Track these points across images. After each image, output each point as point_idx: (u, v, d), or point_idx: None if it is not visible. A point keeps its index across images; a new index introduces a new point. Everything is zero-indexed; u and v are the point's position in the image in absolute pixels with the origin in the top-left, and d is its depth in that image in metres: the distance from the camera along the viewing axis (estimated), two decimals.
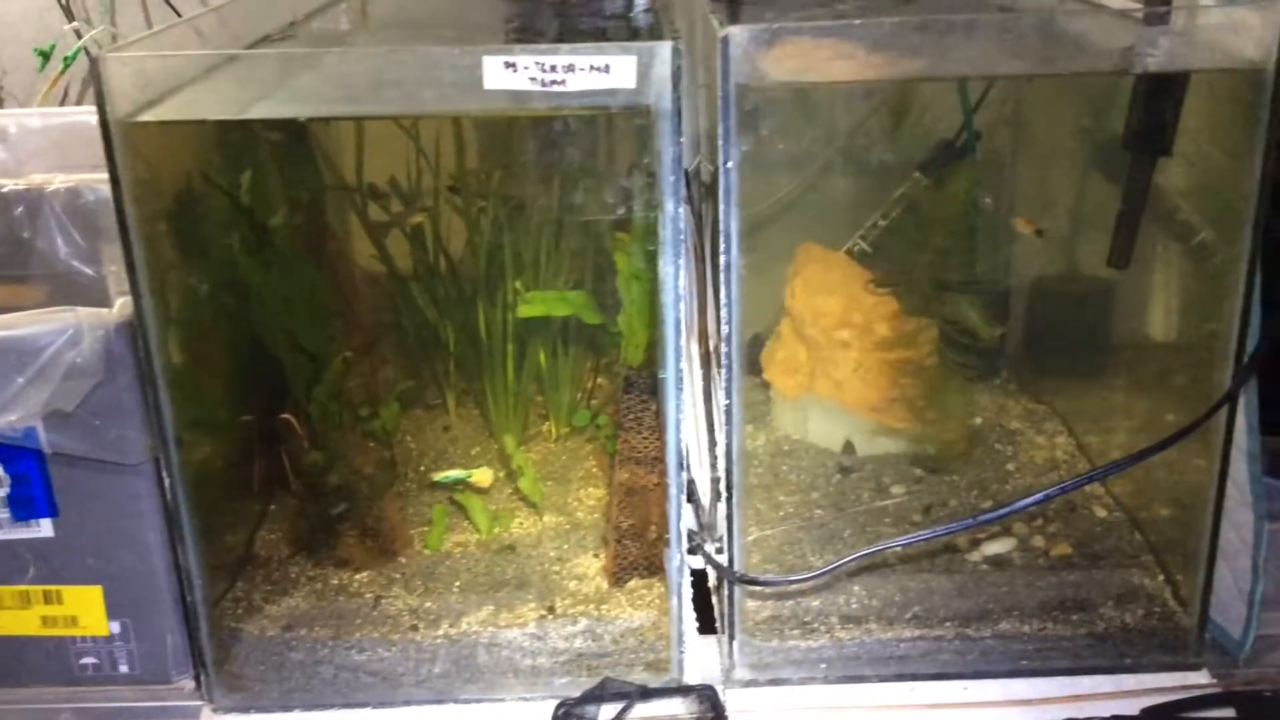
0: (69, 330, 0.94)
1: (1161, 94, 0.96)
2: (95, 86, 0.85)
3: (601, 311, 1.14)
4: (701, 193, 1.07)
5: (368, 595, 1.07)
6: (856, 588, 1.07)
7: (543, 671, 1.02)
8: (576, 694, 0.99)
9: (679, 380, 0.94)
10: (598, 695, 0.98)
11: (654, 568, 1.06)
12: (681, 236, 0.90)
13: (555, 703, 0.98)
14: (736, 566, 1.00)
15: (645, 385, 1.04)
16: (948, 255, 1.31)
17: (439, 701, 1.01)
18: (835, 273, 1.27)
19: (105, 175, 0.88)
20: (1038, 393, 1.37)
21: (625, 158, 1.06)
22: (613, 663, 1.02)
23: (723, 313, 0.93)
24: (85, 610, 1.03)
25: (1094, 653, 1.02)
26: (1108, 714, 0.97)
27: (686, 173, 1.10)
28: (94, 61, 0.85)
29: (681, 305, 0.92)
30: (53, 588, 1.02)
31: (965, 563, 1.10)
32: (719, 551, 1.01)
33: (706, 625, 1.07)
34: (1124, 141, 1.00)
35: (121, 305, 0.96)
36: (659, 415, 1.00)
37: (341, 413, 1.16)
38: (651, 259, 0.91)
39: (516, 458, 1.17)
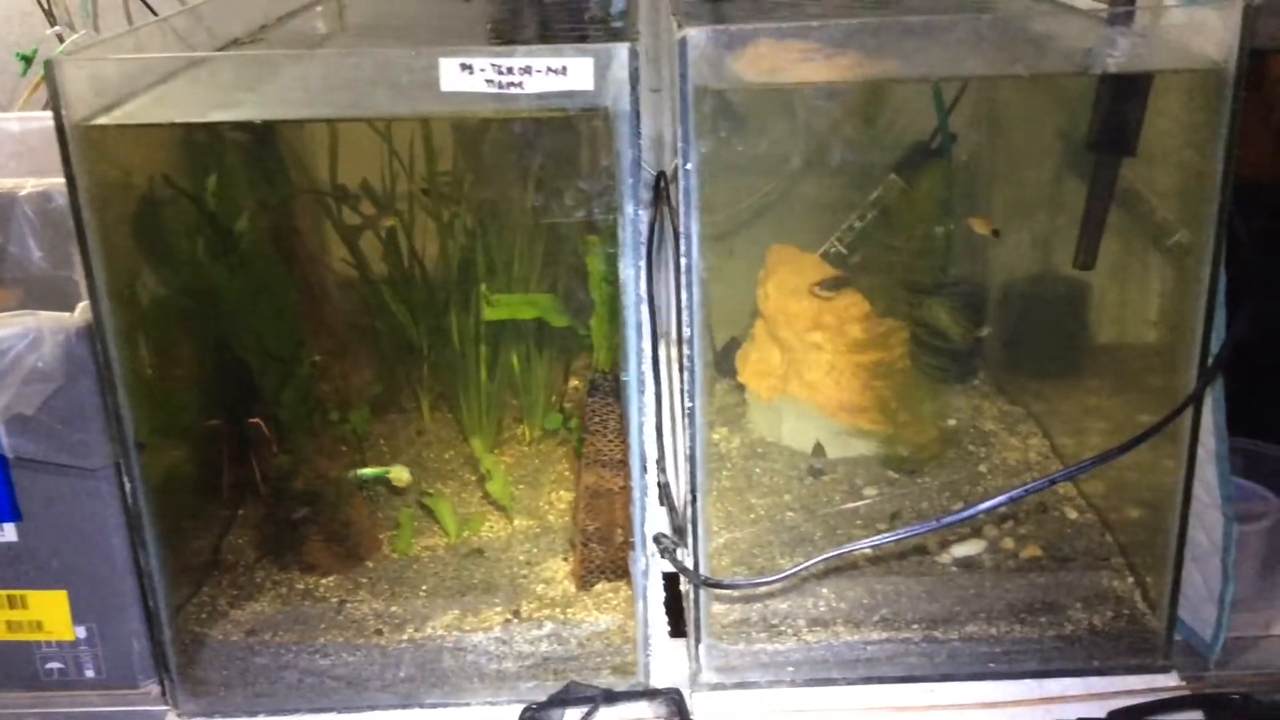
0: (30, 334, 0.94)
1: (1125, 94, 0.95)
2: (50, 90, 0.85)
3: (573, 314, 1.14)
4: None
5: (333, 600, 1.06)
6: (825, 590, 1.06)
7: (508, 676, 1.01)
8: (542, 698, 0.98)
9: (641, 383, 0.93)
10: (562, 699, 0.98)
11: (620, 571, 1.06)
12: (642, 239, 0.90)
13: (521, 707, 0.98)
14: (702, 570, 1.00)
15: (610, 388, 1.04)
16: (922, 257, 1.31)
17: (404, 706, 1.00)
18: (807, 274, 1.26)
19: None
20: (1013, 394, 1.37)
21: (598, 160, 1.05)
22: (579, 666, 1.02)
23: (684, 315, 0.92)
24: (50, 615, 1.02)
25: (1062, 655, 1.02)
26: (1074, 717, 0.96)
27: (664, 175, 1.10)
28: (48, 66, 0.85)
29: (644, 308, 0.92)
30: (17, 592, 1.02)
31: (935, 565, 1.10)
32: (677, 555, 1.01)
33: (678, 628, 1.07)
34: (1088, 142, 0.99)
35: (82, 309, 0.96)
36: (624, 418, 0.99)
37: (311, 417, 1.16)
38: (613, 261, 0.91)
39: (485, 461, 1.17)
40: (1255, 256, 0.93)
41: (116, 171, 0.96)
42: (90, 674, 1.05)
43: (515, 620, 1.04)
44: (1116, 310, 1.16)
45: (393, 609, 1.05)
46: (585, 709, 0.97)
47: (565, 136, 1.11)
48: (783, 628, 1.04)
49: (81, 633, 1.03)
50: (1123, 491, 1.12)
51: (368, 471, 1.16)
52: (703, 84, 0.87)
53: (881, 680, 1.01)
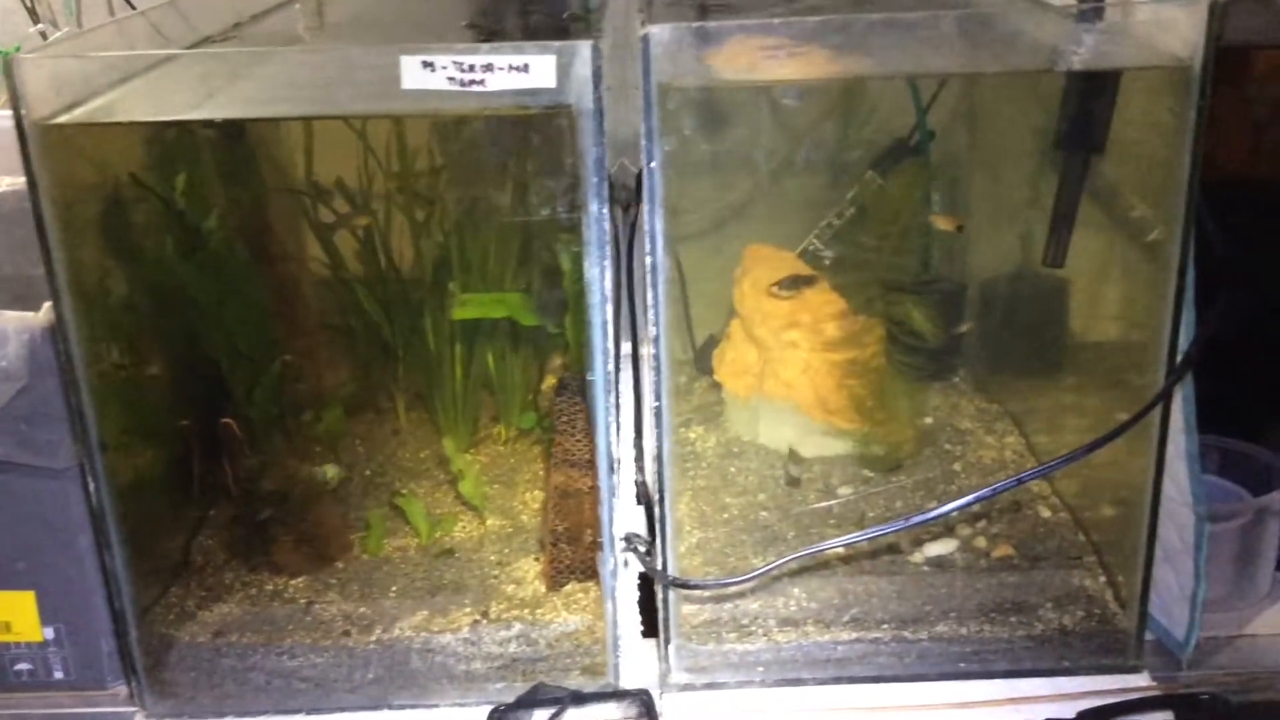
0: None
1: (1093, 92, 0.95)
2: (9, 89, 0.84)
3: (548, 313, 1.14)
4: None
5: (301, 601, 1.06)
6: (795, 590, 1.06)
7: (477, 677, 1.01)
8: (510, 699, 0.98)
9: (608, 383, 0.93)
10: (530, 701, 0.97)
11: (590, 571, 1.06)
12: (607, 238, 0.90)
13: (489, 708, 0.98)
14: (671, 569, 1.00)
15: (578, 387, 1.04)
16: (899, 255, 1.30)
17: (373, 708, 1.00)
18: (783, 273, 1.26)
19: None
20: (992, 392, 1.36)
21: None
22: (549, 667, 1.01)
23: (650, 315, 0.92)
24: (18, 616, 1.02)
25: (1033, 655, 1.01)
26: (1043, 718, 0.96)
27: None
28: (7, 64, 0.84)
29: (609, 307, 0.92)
30: None
31: (907, 564, 1.09)
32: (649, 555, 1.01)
33: (651, 628, 1.06)
34: (1056, 140, 0.99)
35: (47, 309, 0.95)
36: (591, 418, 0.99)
37: (283, 417, 1.15)
38: (578, 261, 0.91)
39: (457, 461, 1.16)
40: (1226, 253, 0.93)
41: (81, 170, 0.96)
42: (59, 675, 1.04)
43: (484, 621, 1.03)
44: (1092, 308, 1.16)
45: (361, 610, 1.05)
46: (553, 710, 0.96)
47: (538, 133, 1.11)
48: (753, 628, 1.04)
49: (50, 634, 1.03)
50: (1096, 490, 1.12)
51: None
52: (666, 81, 0.86)
53: (852, 680, 1.01)
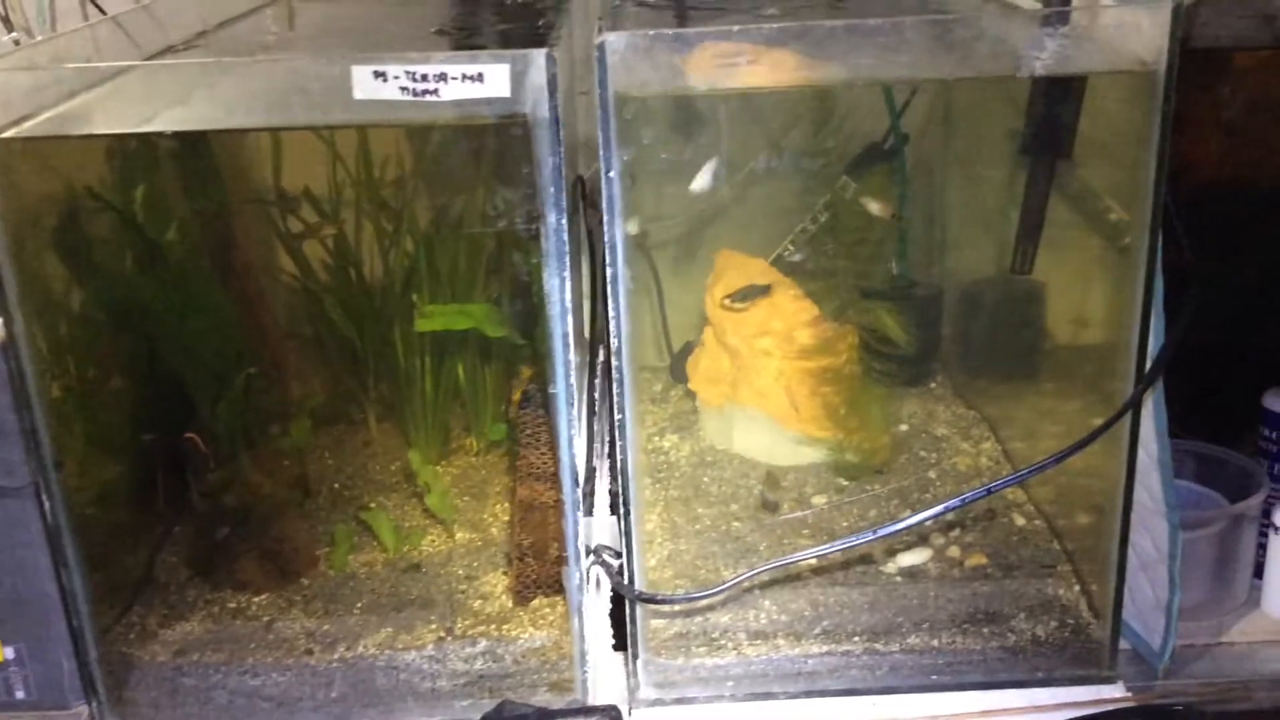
0: None
1: (1058, 96, 0.94)
2: None
3: (511, 324, 1.12)
4: None
5: (264, 618, 1.04)
6: (766, 602, 1.04)
7: (443, 694, 1.00)
8: (476, 717, 0.96)
9: (570, 395, 0.92)
10: (497, 718, 0.96)
11: (557, 586, 1.04)
12: (566, 249, 0.88)
13: None
14: (639, 583, 0.98)
15: (542, 400, 1.02)
16: (873, 261, 1.29)
17: None
18: (755, 279, 1.24)
19: None
20: (969, 398, 1.35)
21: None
22: (516, 684, 1.00)
23: (611, 325, 0.91)
24: None
25: (1006, 666, 1.00)
26: None
27: None
28: None
29: (569, 318, 0.90)
30: None
31: (879, 575, 1.08)
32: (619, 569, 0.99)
33: (622, 642, 1.05)
34: (1022, 145, 0.98)
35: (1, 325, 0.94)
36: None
37: (248, 430, 1.14)
38: (537, 272, 0.89)
39: (423, 474, 1.15)
40: (1195, 257, 0.92)
41: (34, 183, 0.94)
42: (21, 695, 1.02)
43: (449, 638, 1.02)
44: (1066, 313, 1.15)
45: (325, 627, 1.03)
46: None
47: (497, 142, 1.09)
48: (723, 641, 1.02)
49: (10, 654, 1.01)
50: (1070, 497, 1.10)
51: None
52: (623, 90, 0.85)
53: (823, 694, 0.99)
